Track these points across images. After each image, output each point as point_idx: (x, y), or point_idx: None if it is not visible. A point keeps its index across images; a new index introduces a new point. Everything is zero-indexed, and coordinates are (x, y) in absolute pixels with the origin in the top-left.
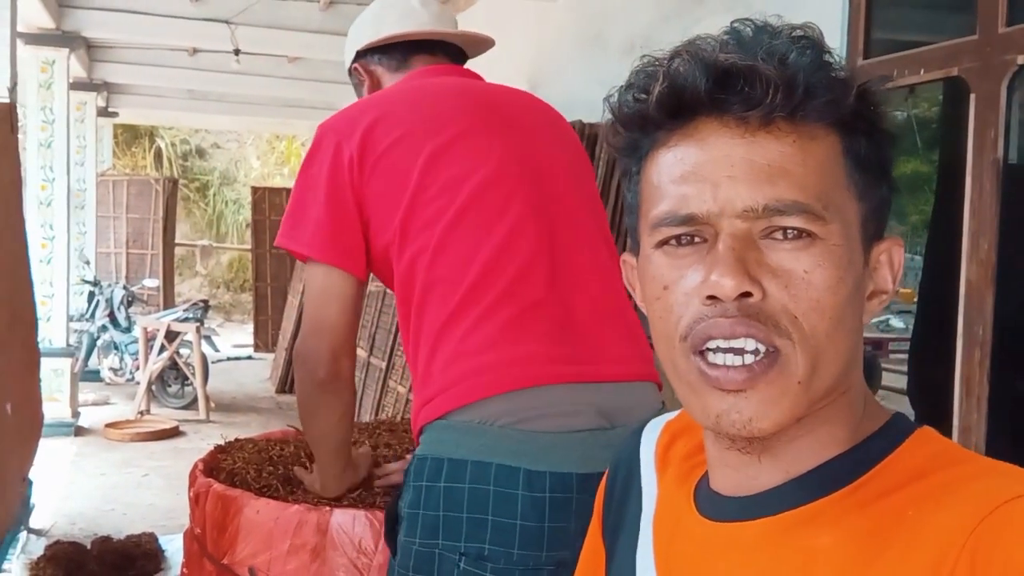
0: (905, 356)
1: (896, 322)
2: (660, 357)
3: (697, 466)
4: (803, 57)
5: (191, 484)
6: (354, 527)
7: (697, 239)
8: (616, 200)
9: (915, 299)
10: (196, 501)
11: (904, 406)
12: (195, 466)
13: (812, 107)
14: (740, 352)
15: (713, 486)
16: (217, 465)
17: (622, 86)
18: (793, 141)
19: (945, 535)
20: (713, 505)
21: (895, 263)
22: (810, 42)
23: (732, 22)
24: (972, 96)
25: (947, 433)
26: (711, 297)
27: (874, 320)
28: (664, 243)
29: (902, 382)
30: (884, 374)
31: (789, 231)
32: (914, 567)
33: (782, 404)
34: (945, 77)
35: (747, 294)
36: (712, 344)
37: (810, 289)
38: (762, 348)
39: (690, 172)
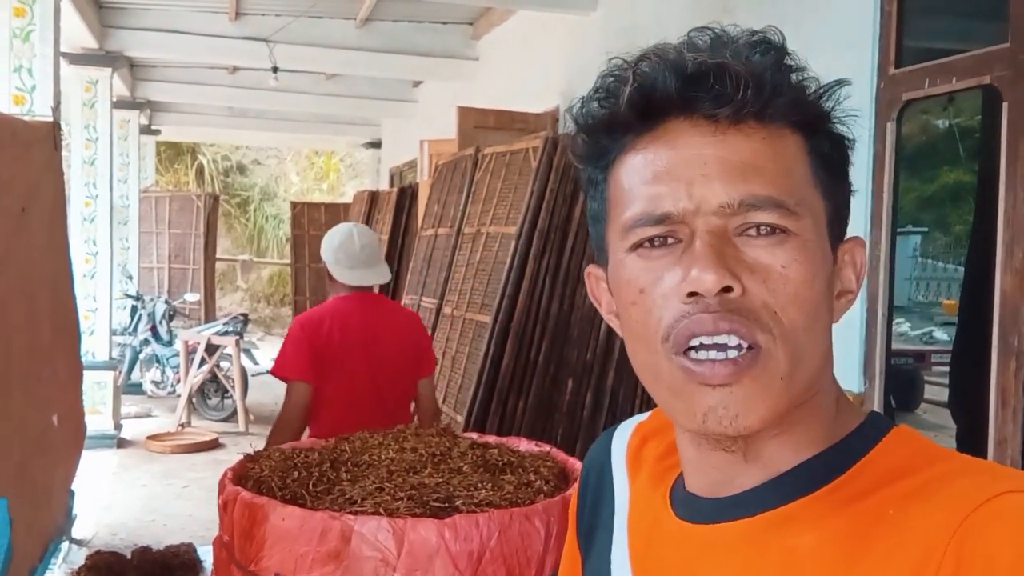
0: (947, 369)
1: (940, 334)
2: (638, 363)
3: (671, 467)
4: (766, 57)
5: (220, 492)
6: (377, 534)
7: (671, 240)
8: None
9: (958, 311)
10: (224, 509)
11: (945, 419)
12: (224, 475)
13: (779, 105)
14: (724, 348)
15: (689, 488)
16: (246, 473)
17: (586, 95)
18: (763, 138)
19: (929, 533)
20: (690, 507)
21: (858, 263)
22: (771, 45)
23: (690, 31)
24: (1004, 104)
25: (983, 444)
26: (692, 294)
27: (917, 332)
28: (638, 246)
29: (945, 395)
30: (927, 387)
31: (763, 227)
32: (898, 566)
33: (766, 401)
34: (977, 85)
35: (728, 289)
36: (695, 342)
37: (788, 284)
38: (744, 344)
39: (663, 172)
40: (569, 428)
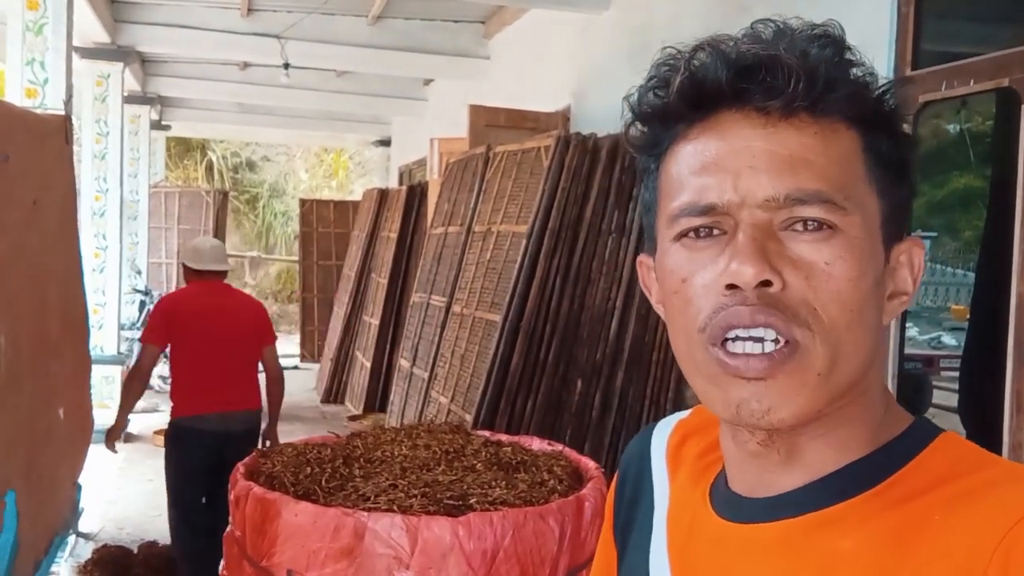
0: (956, 374)
1: (948, 339)
2: (678, 352)
3: (711, 465)
4: (824, 51)
5: (231, 487)
6: (391, 531)
7: (716, 231)
8: None
9: (967, 316)
10: (236, 504)
11: (955, 424)
12: (236, 469)
13: (833, 100)
14: (760, 341)
15: (731, 486)
16: (257, 468)
17: (642, 84)
18: (815, 133)
19: (974, 540)
20: (731, 505)
21: (915, 264)
22: (831, 39)
23: (753, 23)
24: (1023, 107)
25: (996, 450)
26: (731, 286)
27: (925, 337)
28: (683, 235)
29: (953, 400)
30: (935, 392)
31: (810, 223)
32: (941, 572)
33: (801, 396)
34: (995, 87)
35: (767, 283)
36: (732, 334)
37: (831, 281)
38: (781, 339)
39: (711, 163)
40: (578, 428)
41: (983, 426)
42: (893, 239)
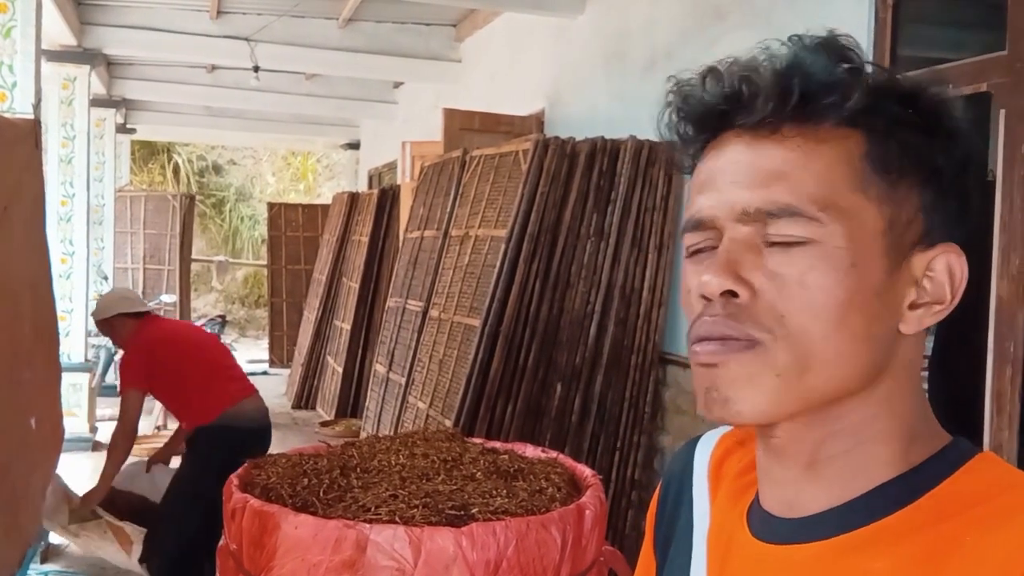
0: (923, 374)
1: None
2: None
3: (751, 484)
4: (809, 63)
5: (226, 500)
6: (394, 543)
7: (707, 248)
8: (638, 212)
9: None
10: (232, 517)
11: None
12: (229, 481)
13: (814, 110)
14: None
15: (764, 505)
16: (252, 480)
17: (659, 112)
18: (797, 145)
19: (1005, 561)
20: (765, 526)
21: (955, 273)
22: (824, 46)
23: (773, 39)
24: (1002, 112)
25: None
26: (703, 297)
27: None
28: (690, 251)
29: None
30: None
31: (786, 236)
32: None
33: (758, 391)
34: (973, 93)
35: (732, 293)
36: (700, 347)
37: (804, 291)
38: (743, 340)
39: (706, 181)
40: (557, 433)
41: (957, 427)
42: (911, 245)
